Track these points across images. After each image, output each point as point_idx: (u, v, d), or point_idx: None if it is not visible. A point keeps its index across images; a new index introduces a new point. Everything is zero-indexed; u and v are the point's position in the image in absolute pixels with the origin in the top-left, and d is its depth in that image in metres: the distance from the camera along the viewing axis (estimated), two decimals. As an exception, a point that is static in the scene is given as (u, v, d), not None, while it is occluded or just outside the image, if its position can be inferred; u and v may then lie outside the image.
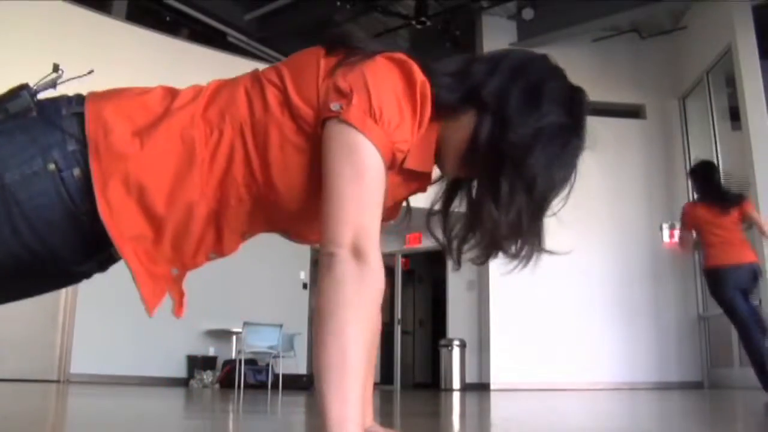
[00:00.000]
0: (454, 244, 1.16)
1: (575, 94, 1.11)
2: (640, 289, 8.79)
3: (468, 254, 1.15)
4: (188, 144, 1.04)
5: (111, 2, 8.57)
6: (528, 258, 1.09)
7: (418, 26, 9.07)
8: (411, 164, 1.09)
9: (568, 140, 1.07)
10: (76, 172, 1.01)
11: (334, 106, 1.00)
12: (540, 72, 1.11)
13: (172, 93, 1.11)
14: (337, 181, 0.97)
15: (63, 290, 7.08)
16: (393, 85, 1.02)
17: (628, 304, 8.73)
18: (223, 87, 1.11)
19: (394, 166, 1.04)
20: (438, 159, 1.14)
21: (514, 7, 9.35)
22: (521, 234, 1.07)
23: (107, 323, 7.84)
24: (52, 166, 1.00)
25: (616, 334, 8.65)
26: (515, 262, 1.09)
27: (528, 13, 9.13)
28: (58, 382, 7.79)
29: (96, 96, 1.08)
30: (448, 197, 1.22)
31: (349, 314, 0.92)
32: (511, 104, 1.06)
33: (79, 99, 1.07)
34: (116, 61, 7.60)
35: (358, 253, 0.94)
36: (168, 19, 9.38)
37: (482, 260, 1.12)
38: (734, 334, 7.67)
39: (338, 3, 9.06)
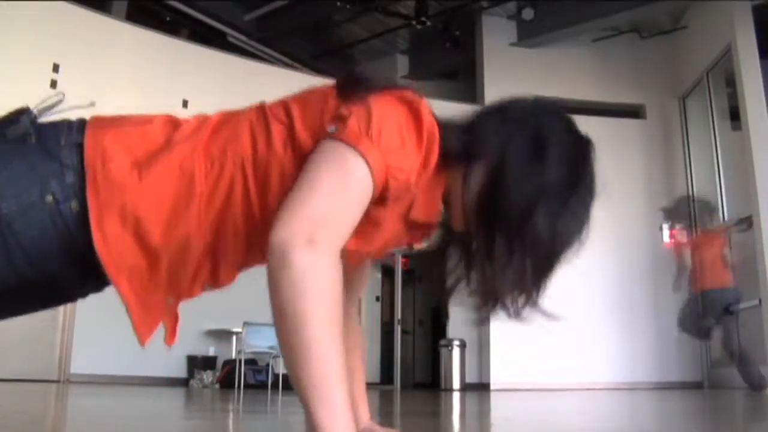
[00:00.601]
0: (448, 287, 1.13)
1: (581, 146, 1.07)
2: (640, 289, 8.79)
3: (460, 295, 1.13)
4: (188, 177, 1.02)
5: (111, 2, 8.57)
6: (521, 313, 1.06)
7: (418, 26, 9.07)
8: (416, 215, 1.07)
9: (571, 196, 1.03)
10: (74, 204, 0.99)
11: (331, 128, 0.98)
12: (545, 126, 1.06)
13: (174, 123, 1.09)
14: (315, 176, 0.94)
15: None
16: (397, 117, 1.00)
17: (628, 304, 8.73)
18: (227, 120, 1.09)
19: (386, 196, 1.00)
20: (447, 212, 1.11)
21: (514, 7, 9.35)
22: (523, 290, 1.04)
23: (107, 323, 7.80)
24: (49, 198, 0.98)
25: (616, 334, 8.65)
26: (509, 314, 1.06)
27: (528, 13, 9.12)
28: (58, 382, 7.79)
29: (96, 123, 1.07)
30: (445, 247, 1.18)
31: (318, 316, 0.86)
32: (514, 162, 1.02)
33: (80, 126, 1.05)
34: (116, 61, 7.61)
35: (314, 242, 0.88)
36: (168, 19, 9.38)
37: (481, 316, 1.08)
38: (734, 335, 7.71)
39: (338, 3, 9.06)
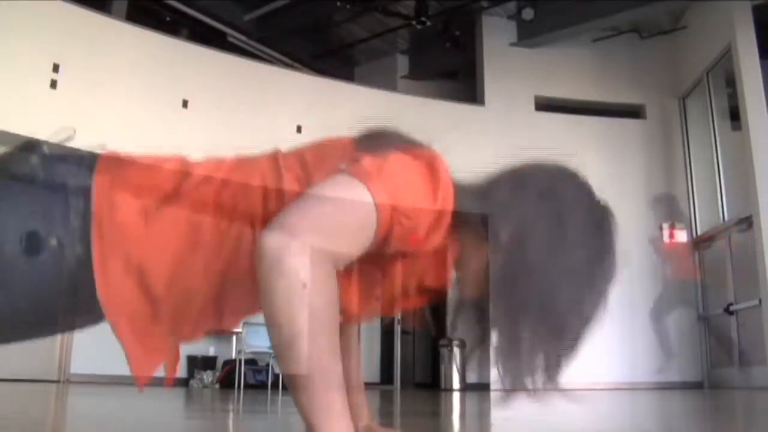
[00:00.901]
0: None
1: (601, 215, 1.04)
2: (640, 289, 8.79)
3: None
4: (195, 227, 1.01)
5: (111, 2, 8.57)
6: (538, 382, 1.02)
7: (418, 26, 9.07)
8: (426, 279, 1.06)
9: (591, 266, 1.00)
10: (78, 248, 0.98)
11: (342, 166, 0.95)
12: (566, 198, 1.03)
13: (184, 170, 1.07)
14: (319, 193, 0.92)
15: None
16: (411, 169, 0.97)
17: (628, 304, 8.72)
18: (238, 168, 1.07)
19: (389, 245, 0.96)
20: (459, 276, 1.10)
21: (514, 7, 9.35)
22: (538, 360, 1.02)
23: (107, 323, 7.82)
24: (53, 240, 0.97)
25: (616, 334, 8.64)
26: (524, 380, 1.02)
27: (528, 13, 9.13)
28: (58, 382, 7.79)
29: (105, 165, 1.05)
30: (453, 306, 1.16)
31: (313, 323, 0.84)
32: (531, 231, 0.99)
33: (90, 166, 1.03)
34: (116, 61, 7.61)
35: (312, 251, 0.85)
36: (168, 19, 9.38)
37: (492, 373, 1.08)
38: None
39: (338, 3, 9.05)
